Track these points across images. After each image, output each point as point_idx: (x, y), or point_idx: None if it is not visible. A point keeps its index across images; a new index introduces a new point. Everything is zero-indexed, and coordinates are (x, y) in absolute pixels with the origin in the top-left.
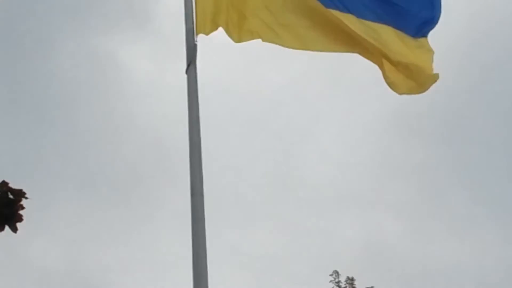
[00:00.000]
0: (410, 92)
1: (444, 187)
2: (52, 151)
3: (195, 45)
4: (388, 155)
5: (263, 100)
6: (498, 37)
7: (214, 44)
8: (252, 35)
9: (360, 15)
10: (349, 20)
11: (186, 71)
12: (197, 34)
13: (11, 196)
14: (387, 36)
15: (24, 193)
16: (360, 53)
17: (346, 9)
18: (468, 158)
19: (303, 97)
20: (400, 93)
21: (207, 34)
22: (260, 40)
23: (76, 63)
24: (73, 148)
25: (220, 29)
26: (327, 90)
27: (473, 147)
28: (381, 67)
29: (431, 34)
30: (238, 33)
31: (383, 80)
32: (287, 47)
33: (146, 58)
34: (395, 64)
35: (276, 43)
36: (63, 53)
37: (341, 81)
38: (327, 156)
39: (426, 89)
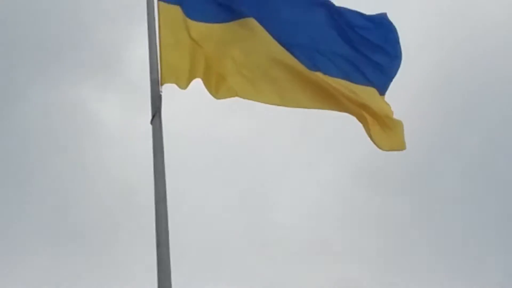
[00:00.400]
0: (393, 148)
1: (406, 238)
2: (18, 199)
3: (160, 96)
4: (351, 206)
5: (231, 148)
6: (460, 84)
7: (182, 91)
8: (230, 93)
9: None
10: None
11: (151, 122)
12: (161, 85)
13: None
14: (362, 93)
15: None
16: (341, 110)
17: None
18: (430, 209)
19: (270, 147)
20: (385, 149)
21: (177, 84)
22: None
23: (45, 111)
24: (40, 196)
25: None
26: (294, 141)
27: (436, 198)
28: (364, 123)
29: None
30: (217, 91)
31: (347, 133)
32: (265, 103)
33: (116, 106)
34: (377, 118)
35: (254, 100)
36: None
37: (308, 133)
38: (294, 207)
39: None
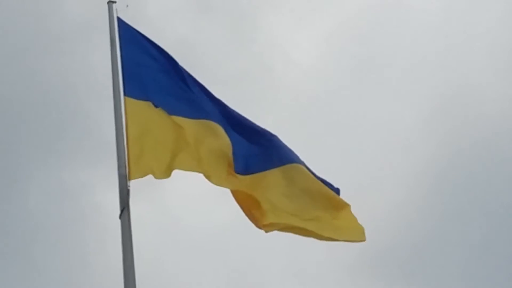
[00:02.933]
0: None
1: None
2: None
3: (128, 190)
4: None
5: (209, 236)
6: (464, 165)
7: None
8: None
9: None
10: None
11: (120, 217)
12: (129, 180)
13: None
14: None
15: None
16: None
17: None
18: None
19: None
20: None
21: (141, 177)
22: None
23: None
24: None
25: None
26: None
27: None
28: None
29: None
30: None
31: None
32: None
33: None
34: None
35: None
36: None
37: None
38: None
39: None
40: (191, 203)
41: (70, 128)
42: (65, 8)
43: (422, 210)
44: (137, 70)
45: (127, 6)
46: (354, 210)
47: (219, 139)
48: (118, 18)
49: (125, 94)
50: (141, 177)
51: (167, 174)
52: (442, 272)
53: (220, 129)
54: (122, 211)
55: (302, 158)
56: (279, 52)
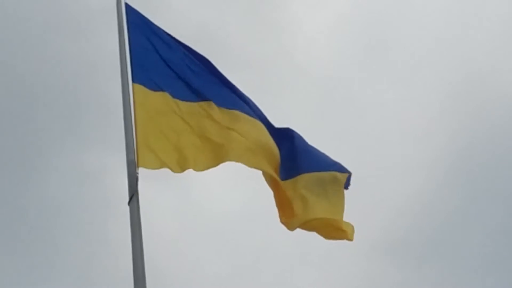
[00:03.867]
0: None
1: None
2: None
3: (137, 177)
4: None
5: (214, 226)
6: (479, 154)
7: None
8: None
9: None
10: None
11: (129, 203)
12: (138, 167)
13: None
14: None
15: None
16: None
17: None
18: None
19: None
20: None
21: (152, 168)
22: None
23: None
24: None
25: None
26: None
27: (454, 267)
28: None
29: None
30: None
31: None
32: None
33: None
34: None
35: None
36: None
37: None
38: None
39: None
40: (211, 188)
41: (90, 111)
42: None
43: (438, 198)
44: (146, 57)
45: None
46: (368, 197)
47: (264, 137)
48: (126, 4)
49: (133, 81)
50: (152, 168)
51: (179, 169)
52: (458, 259)
53: (261, 126)
54: (131, 198)
55: (317, 144)
56: (300, 35)
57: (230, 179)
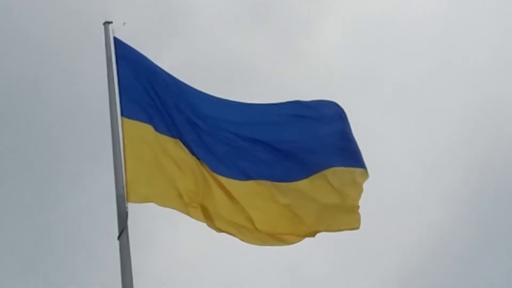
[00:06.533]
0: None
1: None
2: None
3: (127, 212)
4: None
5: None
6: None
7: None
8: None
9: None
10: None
11: (118, 238)
12: (127, 202)
13: None
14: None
15: None
16: None
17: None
18: None
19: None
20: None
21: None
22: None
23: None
24: None
25: None
26: None
27: None
28: None
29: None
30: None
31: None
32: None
33: None
34: None
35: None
36: None
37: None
38: None
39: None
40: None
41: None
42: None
43: (454, 230)
44: (135, 90)
45: (124, 24)
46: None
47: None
48: (115, 38)
49: (122, 114)
50: (140, 202)
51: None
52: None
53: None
54: (121, 233)
55: None
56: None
57: None
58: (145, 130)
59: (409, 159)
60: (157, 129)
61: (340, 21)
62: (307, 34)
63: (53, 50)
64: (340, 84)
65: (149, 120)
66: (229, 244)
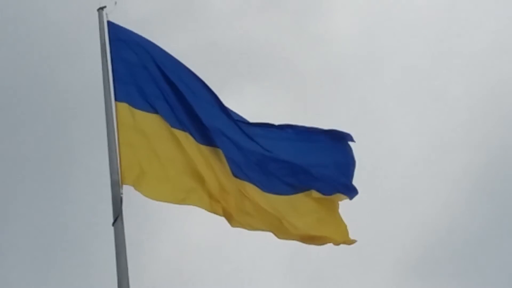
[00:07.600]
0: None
1: None
2: None
3: (121, 198)
4: None
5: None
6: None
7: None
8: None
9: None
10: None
11: (113, 224)
12: (122, 186)
13: None
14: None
15: None
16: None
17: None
18: None
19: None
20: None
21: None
22: None
23: None
24: None
25: None
26: None
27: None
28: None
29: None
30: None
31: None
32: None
33: None
34: None
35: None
36: None
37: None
38: None
39: None
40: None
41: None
42: None
43: (464, 213)
44: (129, 75)
45: (115, 3)
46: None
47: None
48: (109, 22)
49: (116, 99)
50: (134, 186)
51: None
52: (485, 276)
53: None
54: (115, 219)
55: None
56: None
57: None
58: (139, 114)
59: (418, 141)
60: (149, 111)
61: (352, 4)
62: (319, 17)
63: (50, 36)
64: (350, 66)
65: (153, 106)
66: (238, 230)
